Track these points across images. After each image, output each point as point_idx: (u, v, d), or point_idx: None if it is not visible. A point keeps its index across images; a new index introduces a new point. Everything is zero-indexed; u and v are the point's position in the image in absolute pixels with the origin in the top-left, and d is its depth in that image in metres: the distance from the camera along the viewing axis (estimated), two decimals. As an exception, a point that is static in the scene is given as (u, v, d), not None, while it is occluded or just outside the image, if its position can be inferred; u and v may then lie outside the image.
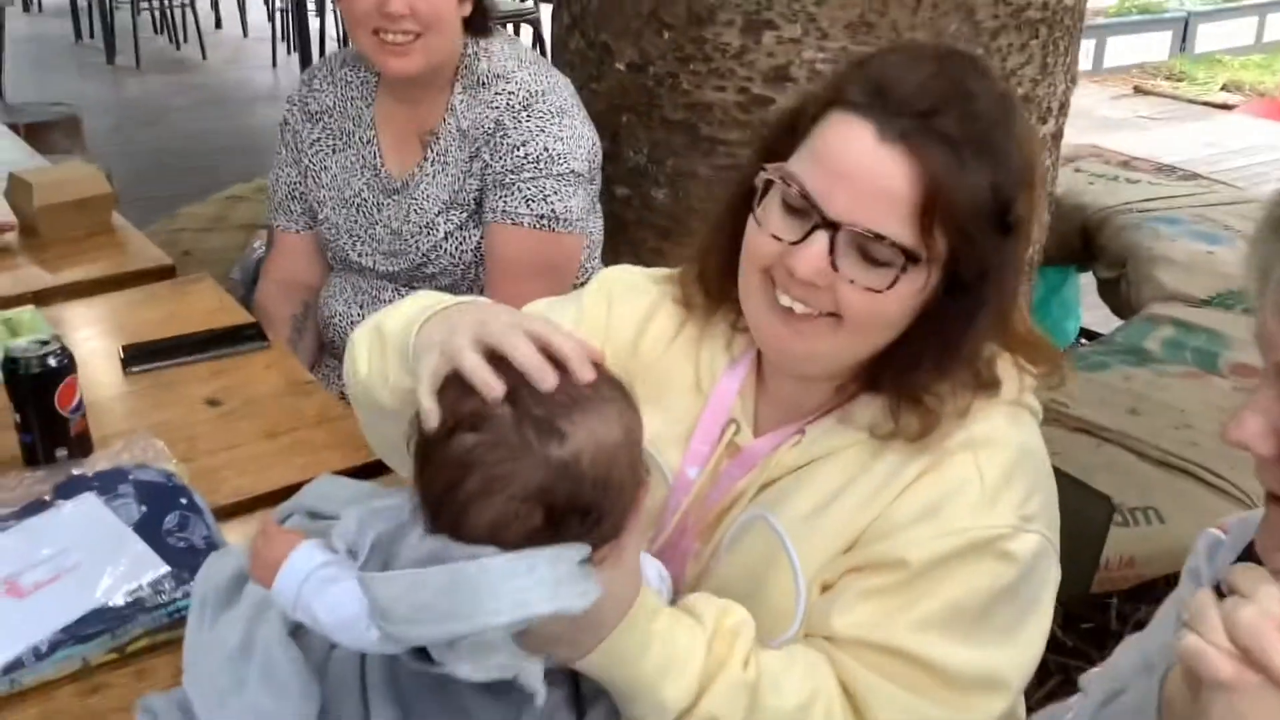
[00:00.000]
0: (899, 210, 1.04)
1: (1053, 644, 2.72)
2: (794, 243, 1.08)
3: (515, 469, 0.97)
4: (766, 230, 1.11)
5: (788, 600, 1.16)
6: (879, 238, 1.04)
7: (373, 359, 1.21)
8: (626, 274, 1.36)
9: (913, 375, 1.12)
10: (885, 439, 1.14)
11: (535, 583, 0.95)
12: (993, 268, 1.08)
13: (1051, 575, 1.15)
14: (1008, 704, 1.12)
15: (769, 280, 1.12)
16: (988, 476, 1.11)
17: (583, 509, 0.99)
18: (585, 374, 1.02)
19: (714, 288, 1.24)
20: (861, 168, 1.05)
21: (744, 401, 1.23)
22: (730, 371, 1.24)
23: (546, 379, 1.00)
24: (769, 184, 1.11)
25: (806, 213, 1.07)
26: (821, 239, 1.06)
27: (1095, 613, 2.77)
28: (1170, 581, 2.94)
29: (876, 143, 1.04)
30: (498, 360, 1.01)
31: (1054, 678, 2.60)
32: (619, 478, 1.01)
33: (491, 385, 0.99)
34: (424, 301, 1.19)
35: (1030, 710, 1.38)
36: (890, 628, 1.09)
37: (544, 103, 2.08)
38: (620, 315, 1.30)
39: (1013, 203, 1.07)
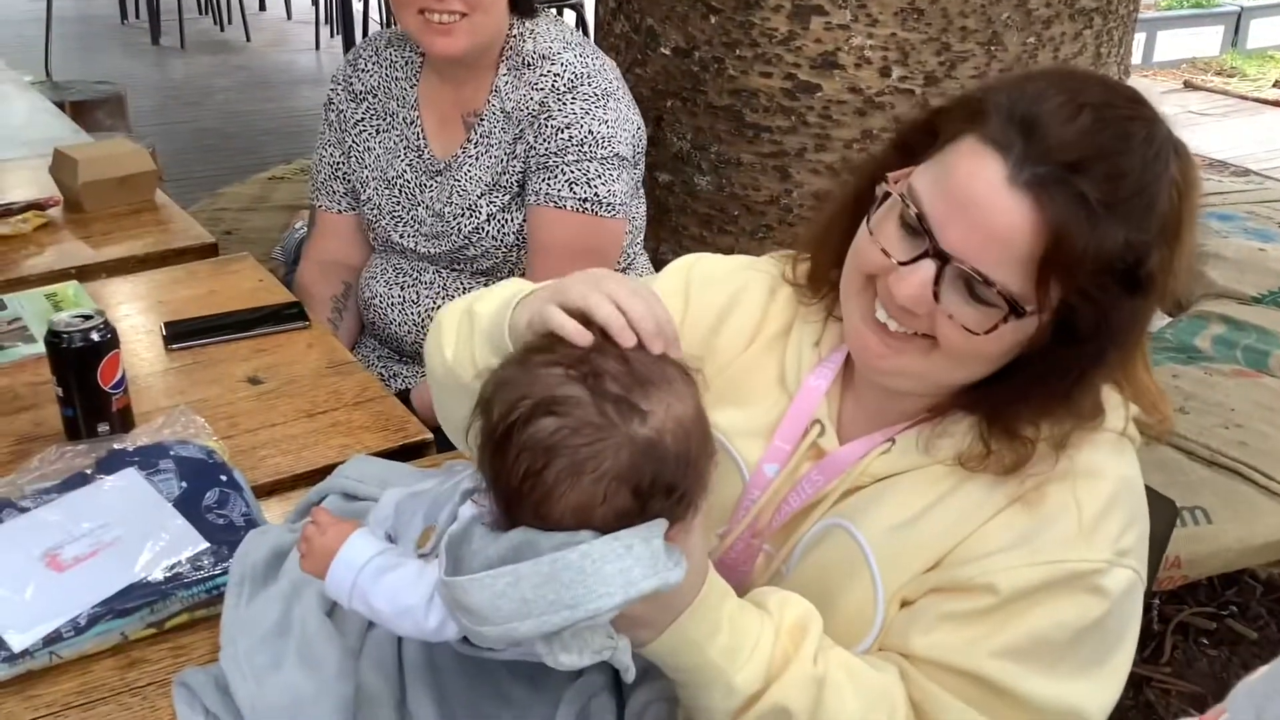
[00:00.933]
0: (1015, 258, 0.99)
1: (1093, 643, 2.68)
2: (902, 263, 1.04)
3: (602, 449, 0.96)
4: (878, 242, 1.07)
5: (866, 612, 1.13)
6: (988, 282, 1.00)
7: (460, 341, 1.20)
8: (706, 264, 1.32)
9: (1013, 410, 1.08)
10: (974, 470, 1.10)
11: (635, 561, 0.94)
12: (1115, 321, 1.02)
13: (1138, 610, 1.11)
14: None
15: (871, 288, 1.09)
16: (1085, 508, 1.07)
17: (668, 486, 0.98)
18: (656, 346, 1.01)
19: (818, 274, 1.21)
20: (985, 206, 0.99)
21: (830, 403, 1.19)
22: (818, 370, 1.21)
23: (626, 337, 1.00)
24: (888, 195, 1.07)
25: (919, 235, 1.03)
26: (928, 267, 1.02)
27: (1137, 613, 2.74)
28: (1212, 583, 2.90)
29: (1007, 184, 0.98)
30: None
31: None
32: (696, 453, 1.00)
33: (581, 334, 1.00)
34: (515, 287, 1.18)
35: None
36: (972, 653, 1.06)
37: (589, 85, 2.06)
38: (698, 307, 1.27)
39: (1146, 260, 1.00)
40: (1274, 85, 8.13)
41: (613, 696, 1.14)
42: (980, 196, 0.99)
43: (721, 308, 1.27)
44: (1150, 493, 1.52)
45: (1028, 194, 0.97)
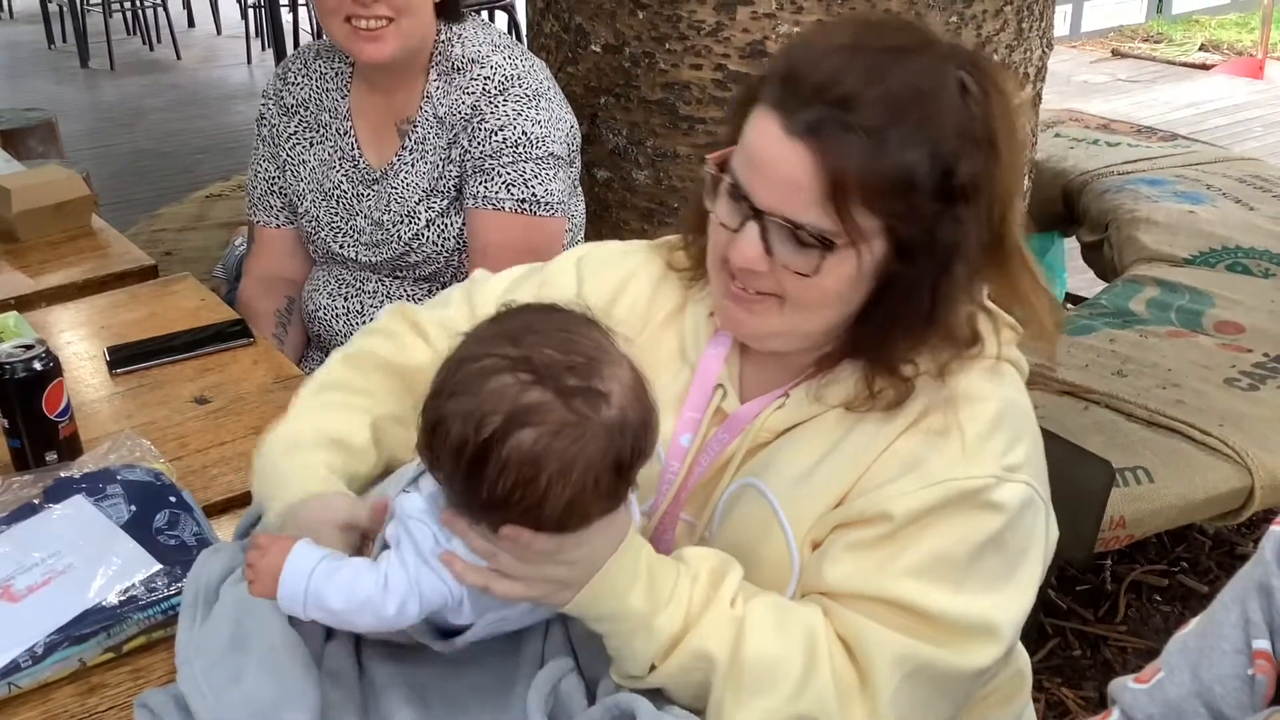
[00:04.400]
0: (811, 200, 1.06)
1: (1048, 606, 2.76)
2: (734, 230, 1.12)
3: (585, 444, 1.00)
4: (717, 219, 1.15)
5: (783, 563, 1.18)
6: (798, 226, 1.07)
7: None
8: (598, 249, 1.38)
9: (888, 343, 1.13)
10: (862, 412, 1.16)
11: None
12: (944, 233, 1.07)
13: (1040, 525, 1.16)
14: (1001, 650, 1.12)
15: (728, 264, 1.15)
16: (968, 429, 1.12)
17: (641, 452, 1.04)
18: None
19: (697, 257, 1.27)
20: (772, 161, 1.08)
21: (730, 368, 1.25)
22: (715, 339, 1.26)
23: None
24: (710, 173, 1.15)
25: (741, 202, 1.11)
26: (752, 228, 1.10)
27: (1090, 573, 2.80)
28: (1161, 540, 2.95)
29: (785, 136, 1.06)
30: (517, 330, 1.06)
31: (1052, 639, 2.62)
32: (651, 410, 1.05)
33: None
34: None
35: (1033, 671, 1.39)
36: (880, 578, 1.11)
37: (520, 86, 2.07)
38: (592, 291, 1.32)
39: (955, 169, 1.06)
40: (1200, 49, 8.27)
41: (581, 678, 1.16)
42: (768, 154, 1.08)
43: (613, 290, 1.32)
44: (1086, 454, 1.57)
45: (803, 140, 1.05)
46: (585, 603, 1.08)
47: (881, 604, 1.10)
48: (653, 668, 1.11)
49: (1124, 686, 1.06)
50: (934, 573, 1.10)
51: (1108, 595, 2.76)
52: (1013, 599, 1.13)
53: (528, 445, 1.00)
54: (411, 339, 1.40)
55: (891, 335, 1.13)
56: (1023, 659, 1.39)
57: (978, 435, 1.12)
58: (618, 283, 1.33)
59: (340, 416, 1.34)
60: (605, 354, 1.05)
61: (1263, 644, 0.98)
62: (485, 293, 1.38)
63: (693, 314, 1.28)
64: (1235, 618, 1.00)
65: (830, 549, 1.15)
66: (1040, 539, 1.16)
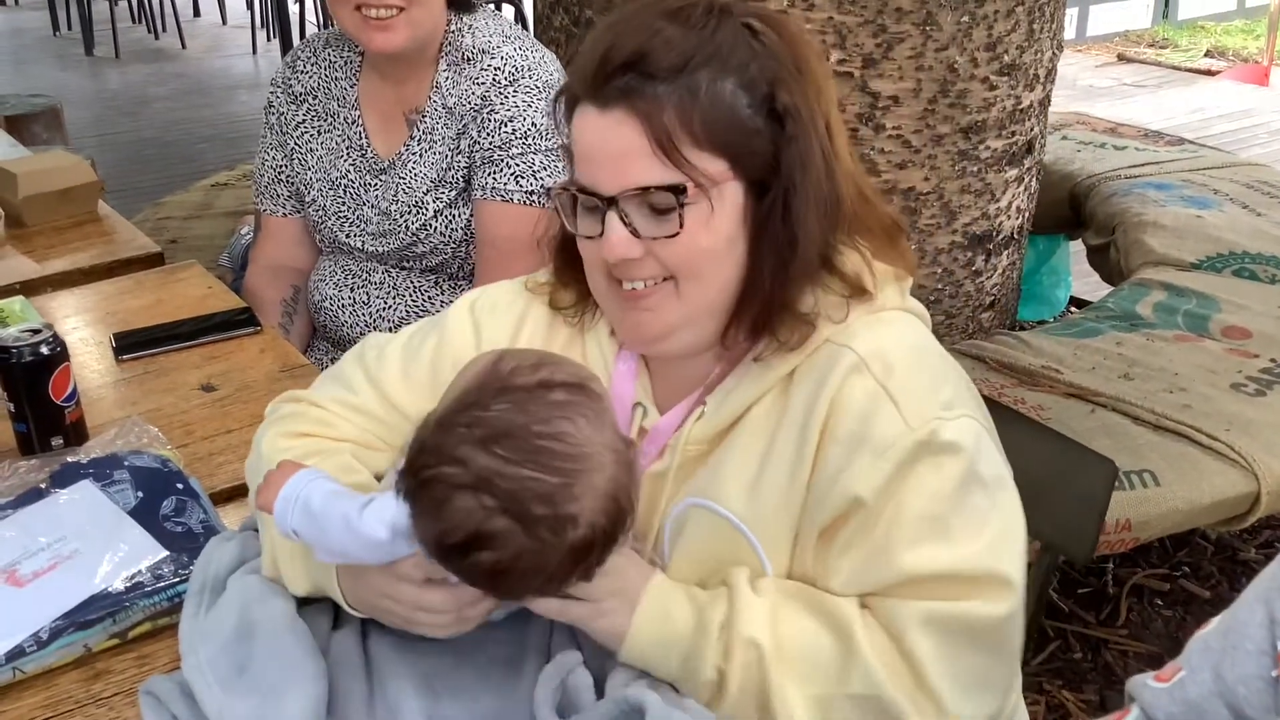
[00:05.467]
0: (644, 160, 1.09)
1: (1050, 609, 2.74)
2: (599, 235, 1.13)
3: (544, 562, 1.04)
4: (584, 235, 1.16)
5: (756, 573, 1.17)
6: (644, 190, 1.09)
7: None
8: (488, 294, 1.36)
9: (765, 288, 1.13)
10: (770, 358, 1.16)
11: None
12: (785, 156, 1.10)
13: (994, 450, 1.16)
14: (1016, 590, 1.11)
15: (614, 278, 1.16)
16: (890, 384, 1.12)
17: (611, 541, 1.06)
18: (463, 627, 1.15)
19: (579, 293, 1.27)
20: (600, 143, 1.11)
21: (642, 384, 1.25)
22: (621, 356, 1.26)
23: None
24: (562, 199, 1.16)
25: (593, 204, 1.13)
26: (612, 218, 1.11)
27: (1091, 576, 2.79)
28: (1164, 544, 2.95)
29: (598, 115, 1.10)
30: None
31: (1053, 642, 2.62)
32: (626, 496, 1.06)
33: None
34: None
35: (1027, 675, 1.39)
36: (879, 568, 1.11)
37: (530, 78, 2.06)
38: (491, 333, 1.31)
39: (775, 94, 1.10)
40: (1205, 55, 8.26)
41: (590, 673, 1.16)
42: (594, 140, 1.12)
43: (511, 332, 1.31)
44: (1088, 452, 1.56)
45: (611, 111, 1.09)
46: (638, 632, 1.13)
47: (899, 585, 1.10)
48: (720, 675, 1.12)
49: (1143, 684, 1.05)
50: (924, 536, 1.10)
51: (1109, 598, 2.76)
52: (1005, 537, 1.12)
53: (488, 564, 1.03)
54: (315, 428, 1.34)
55: (761, 276, 1.13)
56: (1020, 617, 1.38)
57: (902, 389, 1.12)
58: (514, 324, 1.31)
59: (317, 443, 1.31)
60: (582, 462, 1.03)
61: None
62: (385, 367, 1.33)
63: (592, 341, 1.28)
64: (1260, 618, 0.99)
65: (825, 560, 1.14)
66: (1003, 464, 1.16)
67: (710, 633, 1.12)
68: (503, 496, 1.01)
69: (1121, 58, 8.23)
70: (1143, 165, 3.72)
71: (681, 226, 1.10)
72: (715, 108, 1.08)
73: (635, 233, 1.11)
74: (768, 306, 1.14)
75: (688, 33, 1.09)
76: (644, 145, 1.08)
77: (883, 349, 1.14)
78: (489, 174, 2.05)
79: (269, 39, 8.23)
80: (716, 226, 1.11)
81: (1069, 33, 7.97)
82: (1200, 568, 2.87)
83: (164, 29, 8.59)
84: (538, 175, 2.04)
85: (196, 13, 9.26)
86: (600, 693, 1.15)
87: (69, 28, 8.64)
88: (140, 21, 8.83)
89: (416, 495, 1.05)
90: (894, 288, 1.20)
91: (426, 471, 1.04)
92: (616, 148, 1.10)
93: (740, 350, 1.18)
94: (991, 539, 1.11)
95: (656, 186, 1.09)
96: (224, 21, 9.01)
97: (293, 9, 7.27)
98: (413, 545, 1.08)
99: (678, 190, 1.09)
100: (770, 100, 1.10)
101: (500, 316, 1.32)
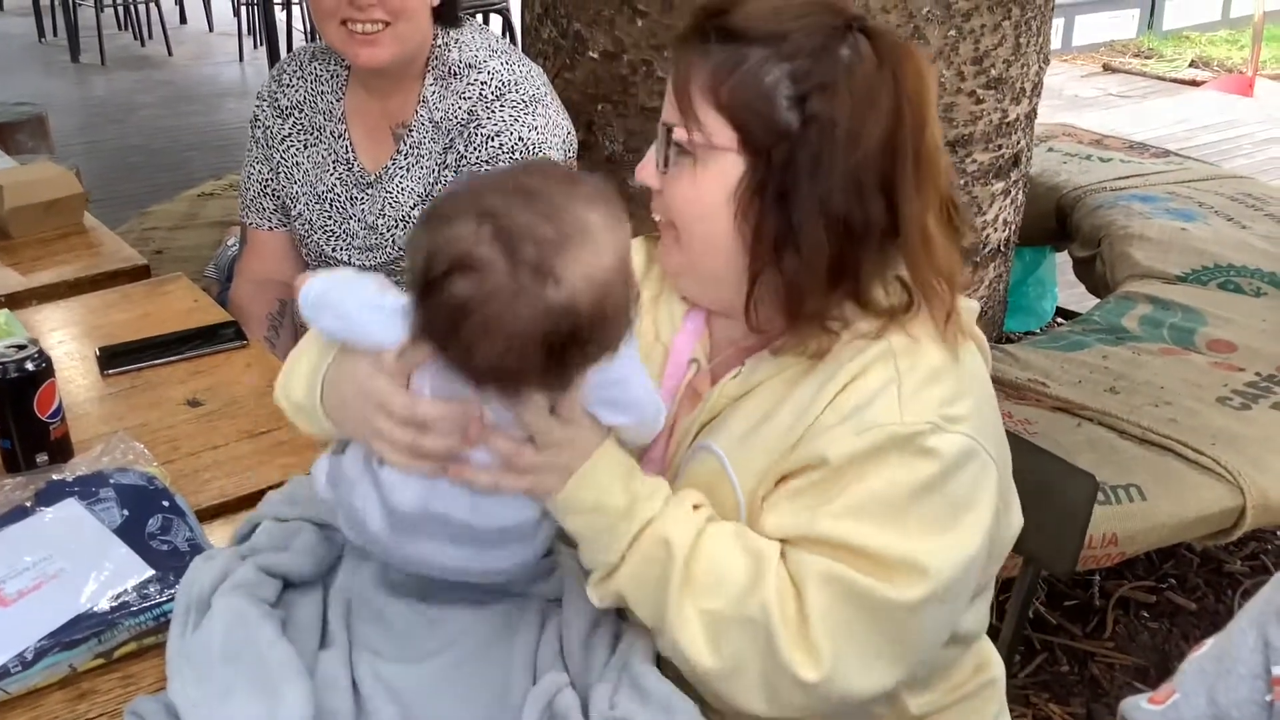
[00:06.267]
0: (673, 102, 1.17)
1: (1036, 621, 2.75)
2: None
3: (513, 314, 1.01)
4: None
5: (731, 517, 1.20)
6: (666, 128, 1.18)
7: (299, 416, 1.30)
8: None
9: (773, 281, 1.16)
10: (787, 354, 1.20)
11: None
12: (799, 157, 1.12)
13: (987, 480, 1.16)
14: (929, 591, 1.11)
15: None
16: (906, 380, 1.14)
17: (582, 343, 1.04)
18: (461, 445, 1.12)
19: None
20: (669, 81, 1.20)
21: (702, 344, 1.30)
22: (687, 318, 1.31)
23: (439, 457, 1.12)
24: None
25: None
26: (655, 144, 1.20)
27: (1078, 589, 2.80)
28: (1150, 557, 2.95)
29: (678, 48, 1.18)
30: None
31: (1040, 654, 2.62)
32: (614, 305, 1.05)
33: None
34: (308, 363, 1.27)
35: (1014, 687, 1.39)
36: (813, 520, 1.13)
37: (517, 92, 2.06)
38: None
39: (814, 97, 1.12)
40: (1190, 65, 8.31)
41: (576, 693, 1.16)
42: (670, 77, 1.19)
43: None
44: (1069, 467, 1.57)
45: (678, 50, 1.17)
46: (572, 490, 1.13)
47: (812, 543, 1.13)
48: (622, 559, 1.14)
49: (1136, 706, 1.06)
50: (865, 513, 1.11)
51: (1096, 611, 2.76)
52: (949, 549, 1.13)
53: (459, 296, 1.01)
54: None
55: (775, 265, 1.15)
56: (996, 668, 1.40)
57: (915, 385, 1.14)
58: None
59: None
60: (587, 238, 1.03)
61: None
62: None
63: (667, 299, 1.33)
64: (1254, 641, 1.00)
65: (771, 498, 1.18)
66: (988, 497, 1.16)
67: (636, 520, 1.14)
68: (499, 228, 1.01)
69: (1107, 68, 8.27)
70: (1128, 177, 3.74)
71: (665, 165, 1.18)
72: (749, 84, 1.13)
73: (663, 164, 1.19)
74: (785, 304, 1.16)
75: (782, 13, 1.14)
76: (674, 87, 1.17)
77: (916, 349, 1.16)
78: (477, 188, 2.05)
79: (255, 46, 8.22)
80: (701, 185, 1.16)
81: (1055, 42, 8.01)
82: (1186, 580, 2.88)
83: (150, 36, 8.57)
84: (525, 189, 2.04)
85: (183, 20, 9.24)
86: (587, 714, 1.15)
87: (55, 34, 8.61)
88: (126, 28, 8.81)
89: (426, 222, 1.06)
90: (947, 315, 1.19)
91: (444, 205, 1.06)
92: (670, 85, 1.18)
93: (778, 331, 1.21)
94: (928, 545, 1.12)
95: (662, 122, 1.18)
96: (210, 29, 8.99)
97: (280, 16, 7.26)
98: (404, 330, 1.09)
99: (684, 135, 1.16)
100: (804, 101, 1.12)
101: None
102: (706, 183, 1.16)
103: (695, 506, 1.18)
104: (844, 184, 1.12)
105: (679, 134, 1.16)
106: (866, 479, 1.12)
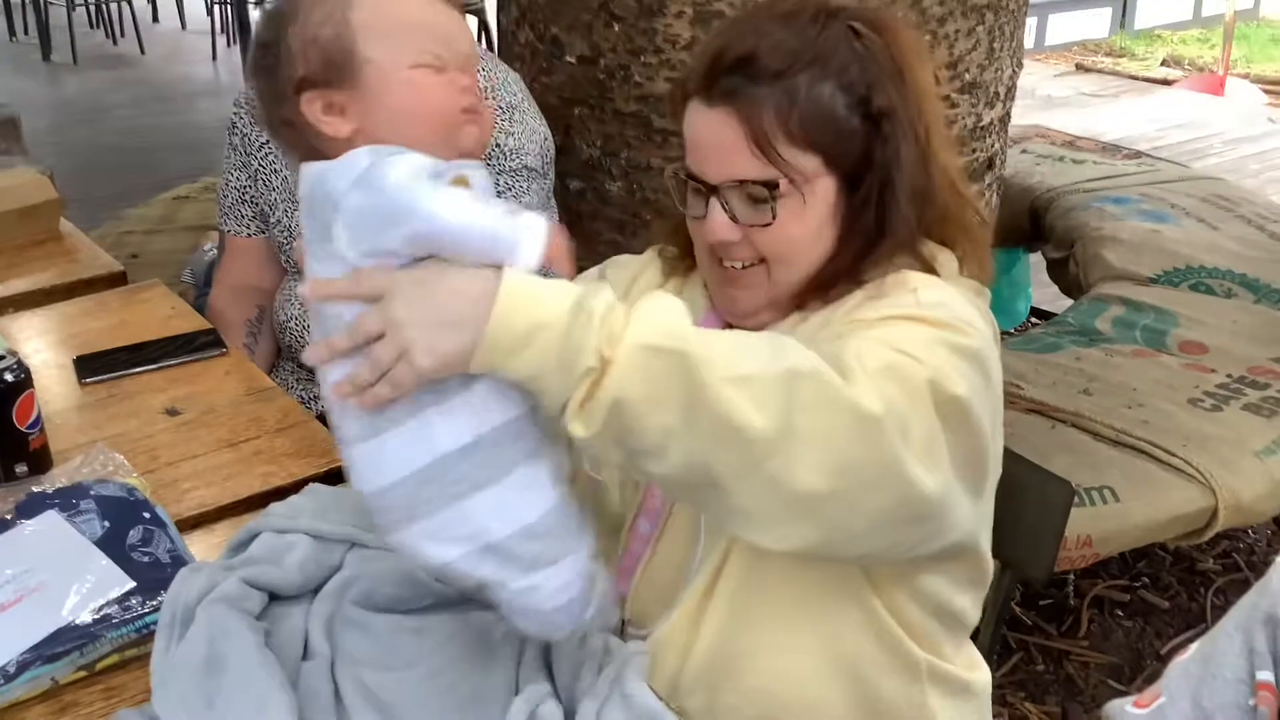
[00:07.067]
0: (744, 155, 1.19)
1: (1012, 621, 2.77)
2: (703, 218, 1.24)
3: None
4: (691, 215, 1.28)
5: None
6: (741, 183, 1.21)
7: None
8: (620, 257, 1.51)
9: (844, 266, 1.24)
10: (811, 308, 1.26)
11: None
12: (879, 154, 1.21)
13: (991, 393, 1.19)
14: (962, 391, 1.09)
15: (715, 255, 1.28)
16: (921, 289, 1.21)
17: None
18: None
19: (685, 246, 1.37)
20: (705, 137, 1.22)
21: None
22: (707, 316, 1.35)
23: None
24: (674, 180, 1.29)
25: (698, 190, 1.25)
26: (714, 205, 1.23)
27: (1053, 589, 2.83)
28: (1125, 559, 2.98)
29: (707, 111, 1.21)
30: None
31: (1016, 654, 2.65)
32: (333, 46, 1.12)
33: None
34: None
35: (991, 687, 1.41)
36: (855, 338, 1.12)
37: (493, 98, 2.07)
38: (611, 280, 1.43)
39: (870, 96, 1.20)
40: (1161, 64, 8.38)
41: (560, 705, 1.16)
42: (702, 134, 1.23)
43: (629, 280, 1.43)
44: (1045, 473, 1.58)
45: (718, 106, 1.20)
46: (493, 332, 0.94)
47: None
48: (602, 358, 0.95)
49: (1121, 710, 1.07)
50: (892, 340, 1.11)
51: (1070, 610, 2.79)
52: (968, 383, 1.10)
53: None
54: None
55: (856, 254, 1.24)
56: (984, 671, 1.40)
57: (928, 294, 1.19)
58: (632, 275, 1.44)
59: None
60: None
61: (1267, 675, 0.98)
62: None
63: (690, 290, 1.38)
64: (1239, 646, 1.01)
65: None
66: (997, 385, 1.20)
67: (596, 307, 0.97)
68: None
69: (1080, 67, 8.33)
70: (1101, 179, 3.77)
71: (775, 217, 1.21)
72: (813, 109, 1.19)
73: (734, 218, 1.22)
74: (837, 277, 1.24)
75: (794, 36, 1.20)
76: (743, 143, 1.19)
77: (932, 282, 1.22)
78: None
79: (229, 45, 8.18)
80: (807, 218, 1.22)
81: (1028, 42, 8.06)
82: (1159, 579, 2.91)
83: (123, 34, 8.51)
84: (501, 196, 2.04)
85: (155, 18, 9.18)
86: (571, 724, 1.15)
87: (26, 33, 8.54)
88: (99, 26, 8.74)
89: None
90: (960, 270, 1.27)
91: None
92: (720, 143, 1.20)
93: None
94: (953, 365, 1.11)
95: (753, 181, 1.20)
96: (184, 27, 8.94)
97: (254, 14, 7.22)
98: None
99: (771, 185, 1.20)
100: (867, 102, 1.20)
101: (622, 269, 1.45)
102: (811, 212, 1.22)
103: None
104: (918, 159, 1.22)
105: (755, 179, 1.20)
106: (899, 327, 1.14)
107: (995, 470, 1.26)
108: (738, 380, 0.97)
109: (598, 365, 0.96)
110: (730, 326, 1.32)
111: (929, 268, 1.25)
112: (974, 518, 1.20)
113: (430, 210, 0.97)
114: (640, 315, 0.99)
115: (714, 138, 1.21)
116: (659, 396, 0.96)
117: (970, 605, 1.35)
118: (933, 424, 1.07)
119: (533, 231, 0.98)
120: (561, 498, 1.07)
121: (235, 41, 7.87)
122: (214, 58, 8.15)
